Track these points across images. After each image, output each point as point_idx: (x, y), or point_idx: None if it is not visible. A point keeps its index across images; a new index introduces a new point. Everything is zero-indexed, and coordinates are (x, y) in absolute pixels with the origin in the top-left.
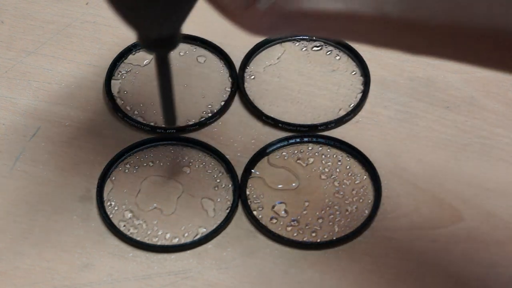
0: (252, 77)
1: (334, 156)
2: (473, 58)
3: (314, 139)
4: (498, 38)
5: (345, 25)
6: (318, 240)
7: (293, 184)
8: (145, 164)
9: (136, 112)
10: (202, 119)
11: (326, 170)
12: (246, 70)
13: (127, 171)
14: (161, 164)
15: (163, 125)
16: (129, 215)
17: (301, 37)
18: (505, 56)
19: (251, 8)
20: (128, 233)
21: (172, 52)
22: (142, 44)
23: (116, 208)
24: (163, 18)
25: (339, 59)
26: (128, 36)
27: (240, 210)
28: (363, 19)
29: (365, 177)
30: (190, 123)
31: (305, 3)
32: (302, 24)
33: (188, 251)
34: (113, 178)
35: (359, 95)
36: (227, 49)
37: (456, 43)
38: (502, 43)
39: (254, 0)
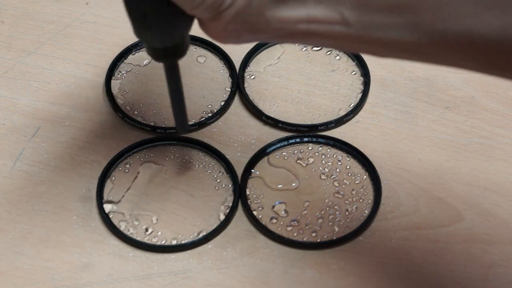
0: (252, 77)
1: (334, 156)
2: (433, 61)
3: (314, 139)
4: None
5: (307, 31)
6: (318, 240)
7: (293, 184)
8: (145, 164)
9: (136, 112)
10: (202, 119)
11: (326, 170)
12: (246, 70)
13: (127, 171)
14: (161, 164)
15: (162, 125)
16: (129, 215)
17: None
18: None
19: (217, 19)
20: (128, 233)
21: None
22: (150, 55)
23: (116, 208)
24: (164, 32)
25: (339, 59)
26: (128, 36)
27: (240, 210)
28: (325, 24)
29: (365, 177)
30: (190, 123)
31: (267, 12)
32: (266, 32)
33: (188, 251)
34: (113, 178)
35: (359, 95)
36: (227, 49)
37: (411, 46)
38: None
39: (219, 12)
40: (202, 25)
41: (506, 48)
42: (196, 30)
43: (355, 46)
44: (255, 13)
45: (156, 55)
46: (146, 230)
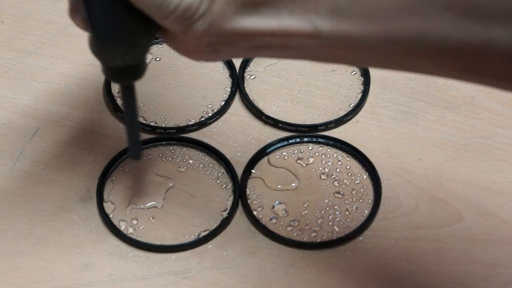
0: (252, 77)
1: (334, 156)
2: (412, 70)
3: (314, 139)
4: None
5: (281, 42)
6: (318, 240)
7: (293, 184)
8: (145, 164)
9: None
10: (202, 119)
11: (326, 170)
12: (246, 70)
13: (127, 171)
14: (161, 164)
15: (162, 125)
16: (129, 215)
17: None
18: (428, 66)
19: (189, 31)
20: (128, 233)
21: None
22: (106, 75)
23: (116, 208)
24: (122, 53)
25: None
26: None
27: (240, 210)
28: (297, 35)
29: (365, 177)
30: (190, 123)
31: (240, 23)
32: (240, 44)
33: (188, 251)
34: (113, 178)
35: (359, 95)
36: None
37: (388, 55)
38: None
39: (192, 23)
40: (174, 42)
41: (486, 54)
42: None
43: (328, 57)
44: (228, 24)
45: (113, 75)
46: (146, 230)
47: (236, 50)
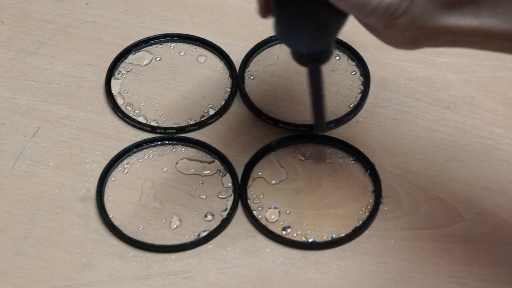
0: (252, 77)
1: (334, 156)
2: None
3: (314, 139)
4: None
5: (481, 40)
6: (318, 240)
7: (293, 184)
8: (145, 164)
9: (136, 112)
10: (202, 119)
11: (326, 170)
12: (246, 70)
13: (127, 171)
14: (161, 164)
15: (162, 125)
16: (129, 214)
17: None
18: None
19: (390, 26)
20: (128, 233)
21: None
22: (296, 60)
23: (116, 208)
24: (312, 39)
25: (339, 59)
26: (128, 36)
27: (240, 210)
28: (498, 36)
29: (365, 177)
30: (190, 123)
31: (442, 21)
32: (440, 38)
33: (188, 251)
34: (113, 178)
35: (359, 95)
36: (227, 49)
37: None
38: None
39: (393, 19)
40: (375, 32)
41: None
42: (196, 30)
43: None
44: (430, 21)
45: (301, 60)
46: (146, 230)
47: (436, 43)
